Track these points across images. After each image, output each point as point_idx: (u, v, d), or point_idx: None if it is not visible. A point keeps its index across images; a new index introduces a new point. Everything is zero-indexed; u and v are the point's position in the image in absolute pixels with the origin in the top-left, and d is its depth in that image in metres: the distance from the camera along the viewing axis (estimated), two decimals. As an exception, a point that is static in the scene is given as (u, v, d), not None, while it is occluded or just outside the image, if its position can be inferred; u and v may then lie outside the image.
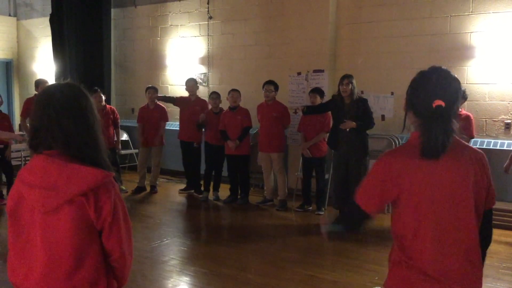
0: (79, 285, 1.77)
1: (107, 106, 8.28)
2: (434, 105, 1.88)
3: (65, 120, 1.77)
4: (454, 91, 1.94)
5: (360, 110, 6.18)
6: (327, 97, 7.44)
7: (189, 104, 8.05)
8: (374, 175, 2.01)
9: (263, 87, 7.30)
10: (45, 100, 1.81)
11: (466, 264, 1.89)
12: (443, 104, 1.88)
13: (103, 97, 8.11)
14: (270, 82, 7.28)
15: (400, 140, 7.23)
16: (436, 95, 1.90)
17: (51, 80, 10.22)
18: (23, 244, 1.80)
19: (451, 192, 1.89)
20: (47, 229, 1.75)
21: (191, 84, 8.10)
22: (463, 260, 1.89)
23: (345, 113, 6.24)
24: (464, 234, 1.89)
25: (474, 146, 2.17)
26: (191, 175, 8.18)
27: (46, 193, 1.73)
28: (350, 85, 6.23)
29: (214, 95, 7.77)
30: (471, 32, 6.73)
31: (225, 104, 7.78)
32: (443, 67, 2.00)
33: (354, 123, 6.20)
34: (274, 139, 7.21)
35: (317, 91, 6.98)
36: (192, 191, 8.19)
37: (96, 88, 8.00)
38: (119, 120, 8.39)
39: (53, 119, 1.77)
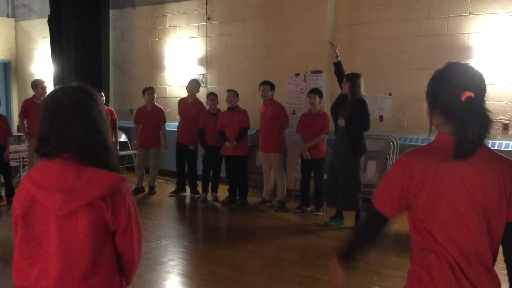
0: (95, 287, 1.78)
1: (105, 107, 8.27)
2: (463, 98, 1.72)
3: (75, 128, 1.77)
4: (480, 81, 1.79)
5: (358, 110, 6.13)
6: (325, 98, 7.45)
7: (186, 107, 8.04)
8: (392, 177, 1.87)
9: (259, 88, 7.31)
10: (52, 108, 1.80)
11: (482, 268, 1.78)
12: (473, 95, 1.72)
13: (103, 99, 8.14)
14: (265, 82, 7.29)
15: (398, 140, 7.23)
16: (463, 86, 1.74)
17: (49, 81, 10.21)
18: (34, 247, 1.79)
19: (471, 194, 1.74)
20: (63, 233, 1.75)
21: (193, 85, 8.08)
22: (478, 265, 1.77)
23: (343, 110, 6.23)
24: (474, 238, 1.76)
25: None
26: (183, 178, 8.15)
27: (64, 196, 1.72)
28: (348, 83, 6.19)
29: (212, 96, 7.77)
30: (469, 33, 6.74)
31: (223, 105, 7.79)
32: (461, 62, 1.87)
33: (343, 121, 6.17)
34: (272, 139, 7.22)
35: (316, 91, 6.98)
36: (183, 193, 8.14)
37: (97, 89, 8.06)
38: (117, 122, 8.40)
39: (62, 128, 1.77)
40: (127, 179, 1.84)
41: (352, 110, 6.09)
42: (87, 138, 1.78)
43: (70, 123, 1.77)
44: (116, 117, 8.39)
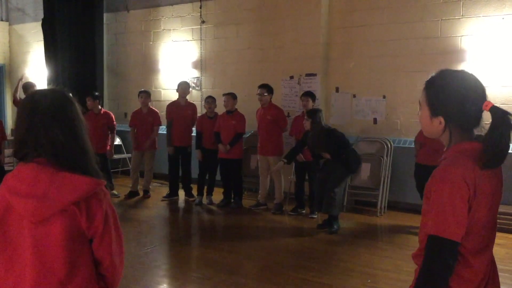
0: None
1: (103, 110, 8.27)
2: (487, 108, 1.67)
3: (53, 130, 1.74)
4: (481, 84, 1.76)
5: (332, 139, 6.22)
6: (320, 101, 7.47)
7: (179, 109, 8.03)
8: (451, 195, 1.66)
9: (257, 91, 7.30)
10: (30, 110, 1.77)
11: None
12: (492, 103, 1.67)
13: (98, 101, 8.15)
14: (262, 86, 7.28)
15: (392, 143, 7.26)
16: (479, 96, 1.71)
17: (42, 84, 10.20)
18: (10, 254, 1.76)
19: (495, 198, 1.77)
20: (38, 239, 1.72)
21: (184, 87, 8.08)
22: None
23: (318, 144, 6.31)
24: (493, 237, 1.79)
25: None
26: (176, 182, 8.12)
27: (37, 202, 1.69)
28: (310, 120, 6.28)
29: (210, 100, 7.75)
30: (461, 36, 6.78)
31: (220, 109, 7.78)
32: (451, 69, 1.84)
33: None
34: (271, 142, 7.22)
35: (309, 94, 7.00)
36: (175, 197, 8.11)
37: (97, 94, 8.22)
38: (115, 125, 8.35)
39: (40, 130, 1.73)
40: (104, 183, 1.78)
41: (326, 140, 6.18)
42: (64, 141, 1.74)
43: (47, 126, 1.73)
44: (115, 123, 8.34)
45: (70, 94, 1.87)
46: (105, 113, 8.25)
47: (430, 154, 5.70)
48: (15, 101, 9.06)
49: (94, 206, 1.74)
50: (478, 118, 1.74)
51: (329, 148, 6.20)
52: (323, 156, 6.31)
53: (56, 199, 1.69)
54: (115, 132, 8.39)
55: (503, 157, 1.69)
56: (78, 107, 1.85)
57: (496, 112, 1.68)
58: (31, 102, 1.79)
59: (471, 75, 1.80)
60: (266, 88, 7.24)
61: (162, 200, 8.01)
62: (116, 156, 9.22)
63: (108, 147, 8.15)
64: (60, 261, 1.72)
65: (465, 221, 1.66)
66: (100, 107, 8.18)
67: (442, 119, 1.76)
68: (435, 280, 1.67)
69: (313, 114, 6.32)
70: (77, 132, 1.79)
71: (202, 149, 7.71)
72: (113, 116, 8.33)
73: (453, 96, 1.74)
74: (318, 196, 6.39)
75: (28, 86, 8.05)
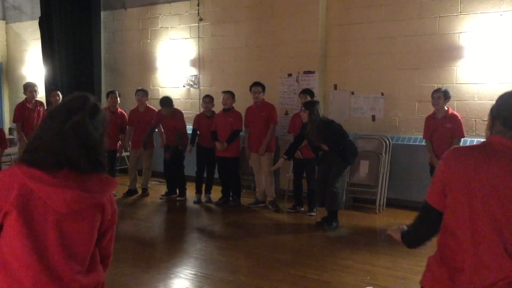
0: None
1: (119, 109, 8.24)
2: None
3: (72, 149, 1.72)
4: None
5: (328, 130, 6.24)
6: (318, 99, 7.46)
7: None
8: (437, 173, 2.00)
9: (250, 89, 7.30)
10: (51, 128, 1.73)
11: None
12: None
13: (118, 100, 8.15)
14: (257, 84, 7.28)
15: (390, 140, 7.25)
16: None
17: (40, 83, 10.17)
18: (33, 242, 1.69)
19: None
20: (66, 231, 1.72)
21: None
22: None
23: (315, 136, 6.30)
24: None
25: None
26: (173, 180, 8.09)
27: (76, 192, 1.68)
28: (307, 112, 6.26)
29: (207, 99, 7.74)
30: (459, 33, 6.78)
31: (218, 107, 7.77)
32: None
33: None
34: (264, 139, 7.22)
35: (308, 92, 7.00)
36: (173, 196, 8.05)
37: (113, 90, 8.27)
38: (127, 125, 8.32)
39: (59, 148, 1.72)
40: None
41: (324, 132, 6.18)
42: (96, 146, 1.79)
43: (67, 144, 1.70)
44: (127, 123, 8.30)
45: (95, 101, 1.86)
46: (121, 113, 8.24)
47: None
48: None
49: (113, 201, 1.88)
50: None
51: (327, 139, 6.20)
52: (322, 148, 6.31)
53: (95, 192, 1.74)
54: (125, 132, 8.35)
55: None
56: (103, 115, 1.87)
57: None
58: (53, 120, 1.77)
59: None
60: (261, 85, 7.27)
61: (161, 199, 8.01)
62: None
63: (118, 145, 8.18)
64: (86, 255, 1.79)
65: (437, 191, 1.97)
66: (117, 106, 8.17)
67: (490, 115, 2.10)
68: (415, 231, 2.15)
69: (311, 105, 6.31)
70: (95, 142, 1.78)
71: (199, 147, 7.70)
72: (127, 117, 8.31)
73: (505, 98, 2.08)
74: (319, 192, 6.39)
75: (28, 86, 8.02)
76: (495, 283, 1.80)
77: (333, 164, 6.20)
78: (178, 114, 7.87)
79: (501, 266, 1.80)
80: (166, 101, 7.75)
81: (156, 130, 8.26)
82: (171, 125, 7.78)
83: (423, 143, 6.61)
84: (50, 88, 8.72)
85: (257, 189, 7.59)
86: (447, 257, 1.94)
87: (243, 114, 7.50)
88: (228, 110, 7.45)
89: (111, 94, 8.18)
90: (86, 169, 1.72)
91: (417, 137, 7.06)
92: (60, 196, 1.67)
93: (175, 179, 8.02)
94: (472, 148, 1.96)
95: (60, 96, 8.20)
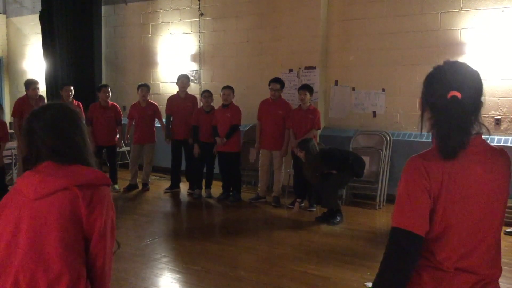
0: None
1: (110, 102, 8.23)
2: (448, 96, 1.68)
3: (51, 142, 1.85)
4: (474, 83, 1.73)
5: (330, 161, 6.33)
6: (319, 94, 7.46)
7: (179, 102, 8.01)
8: (411, 187, 1.70)
9: (269, 84, 7.24)
10: (28, 131, 1.88)
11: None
12: (459, 95, 1.67)
13: (109, 94, 8.13)
14: (276, 80, 7.21)
15: (391, 136, 7.26)
16: (452, 86, 1.69)
17: (41, 77, 10.16)
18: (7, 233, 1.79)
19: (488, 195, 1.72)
20: (34, 217, 1.75)
21: (184, 81, 8.07)
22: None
23: (319, 166, 6.37)
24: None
25: None
26: (178, 175, 8.11)
27: (41, 178, 1.77)
28: (303, 152, 6.33)
29: (207, 94, 7.71)
30: (461, 29, 6.76)
31: (217, 101, 7.77)
32: (459, 61, 1.83)
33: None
34: (279, 137, 7.19)
35: (307, 88, 6.98)
36: (176, 189, 8.11)
37: (105, 84, 8.25)
38: (121, 118, 8.32)
39: (39, 145, 1.85)
40: (110, 183, 1.89)
41: (327, 163, 6.28)
42: (71, 136, 1.88)
43: (44, 139, 1.84)
44: (121, 114, 8.31)
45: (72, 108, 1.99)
46: (113, 105, 8.22)
47: None
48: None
49: (97, 197, 1.79)
50: (444, 105, 1.71)
51: (332, 166, 6.31)
52: (331, 172, 6.38)
53: (61, 178, 1.77)
54: (121, 125, 8.35)
55: (451, 148, 1.66)
56: (80, 116, 1.99)
57: (452, 104, 1.68)
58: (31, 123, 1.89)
59: (466, 67, 1.80)
60: (280, 83, 7.19)
61: (165, 193, 8.02)
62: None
63: (116, 139, 8.18)
64: (54, 243, 1.73)
65: (422, 210, 1.66)
66: (109, 99, 8.17)
67: (420, 99, 1.85)
68: (393, 272, 1.66)
69: (305, 144, 6.36)
70: (81, 126, 1.92)
71: (198, 142, 7.69)
72: (120, 109, 8.31)
73: (432, 78, 1.83)
74: (318, 190, 6.42)
75: (29, 83, 8.00)
76: (474, 285, 1.70)
77: (342, 172, 6.35)
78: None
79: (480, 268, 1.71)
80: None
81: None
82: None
83: (424, 139, 6.61)
84: (63, 83, 8.66)
85: (259, 185, 7.58)
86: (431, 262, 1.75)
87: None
88: (227, 105, 7.43)
89: (103, 88, 8.15)
90: (60, 161, 1.82)
91: (418, 133, 7.05)
92: (31, 181, 1.78)
93: (186, 173, 8.07)
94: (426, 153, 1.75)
95: (72, 91, 8.16)
